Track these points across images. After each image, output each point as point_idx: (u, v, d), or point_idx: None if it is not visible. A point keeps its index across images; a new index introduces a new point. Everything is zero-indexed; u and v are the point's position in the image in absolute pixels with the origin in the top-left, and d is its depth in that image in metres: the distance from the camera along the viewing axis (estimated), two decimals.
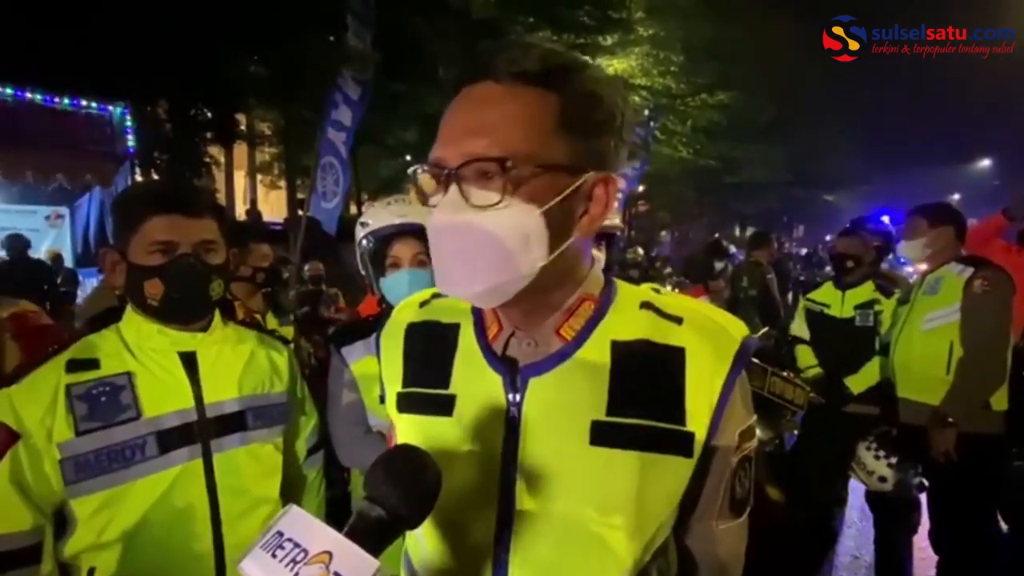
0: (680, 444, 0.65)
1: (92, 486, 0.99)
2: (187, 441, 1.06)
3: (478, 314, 0.72)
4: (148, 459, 1.02)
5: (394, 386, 0.76)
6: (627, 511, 0.64)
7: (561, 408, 0.65)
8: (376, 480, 0.56)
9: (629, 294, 0.71)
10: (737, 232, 25.84)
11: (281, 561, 0.51)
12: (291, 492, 1.27)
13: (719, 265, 3.70)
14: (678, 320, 0.68)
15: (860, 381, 2.78)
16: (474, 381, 0.69)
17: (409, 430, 0.73)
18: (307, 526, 0.53)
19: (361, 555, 0.51)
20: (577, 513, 0.64)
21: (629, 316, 0.69)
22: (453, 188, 0.61)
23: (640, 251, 8.18)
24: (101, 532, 1.00)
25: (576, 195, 0.63)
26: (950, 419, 2.18)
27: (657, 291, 0.73)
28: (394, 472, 0.56)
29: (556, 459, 0.65)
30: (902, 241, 2.56)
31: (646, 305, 0.70)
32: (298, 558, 0.51)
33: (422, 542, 0.71)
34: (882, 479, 2.40)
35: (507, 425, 0.66)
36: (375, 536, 0.54)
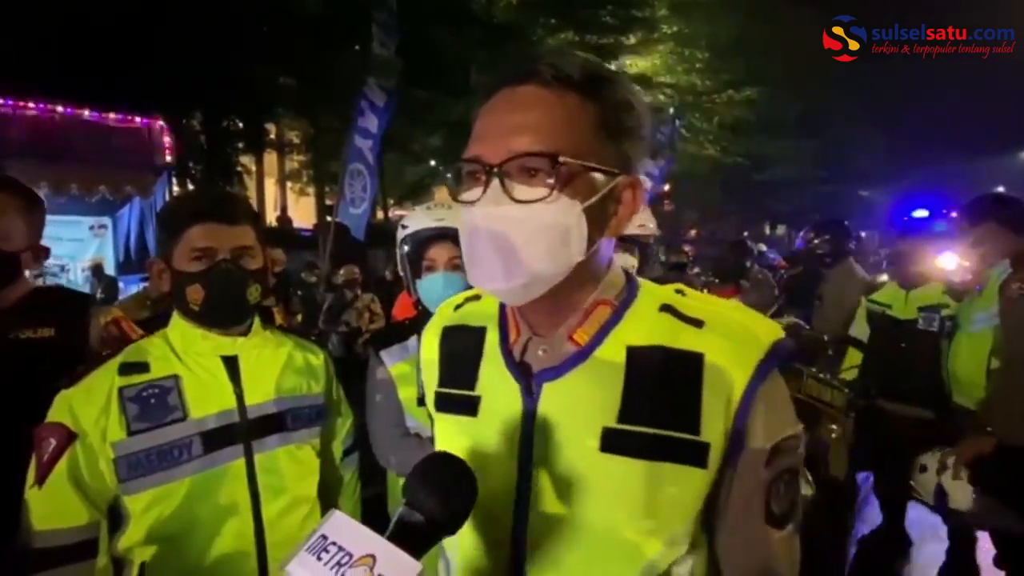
0: (693, 454, 0.63)
1: (143, 484, 1.03)
2: (230, 441, 1.10)
3: (502, 319, 0.74)
4: (194, 458, 1.06)
5: (432, 386, 0.78)
6: (636, 519, 0.63)
7: (573, 413, 0.65)
8: (414, 487, 0.58)
9: (650, 297, 0.70)
10: (767, 230, 25.25)
11: (326, 564, 0.52)
12: (328, 493, 1.30)
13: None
14: (698, 323, 0.66)
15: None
16: (496, 384, 0.70)
17: (443, 429, 0.76)
18: (350, 530, 0.54)
19: (404, 558, 0.52)
20: (588, 518, 0.64)
21: (647, 320, 0.67)
22: (495, 184, 0.62)
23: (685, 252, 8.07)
24: (151, 528, 1.04)
25: (609, 196, 0.65)
26: (988, 428, 2.03)
27: (681, 292, 0.71)
28: (431, 479, 0.58)
29: (568, 464, 0.65)
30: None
31: (666, 308, 0.68)
32: (343, 561, 0.52)
33: (455, 540, 0.72)
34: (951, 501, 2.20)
35: (523, 429, 0.67)
36: (416, 540, 0.55)
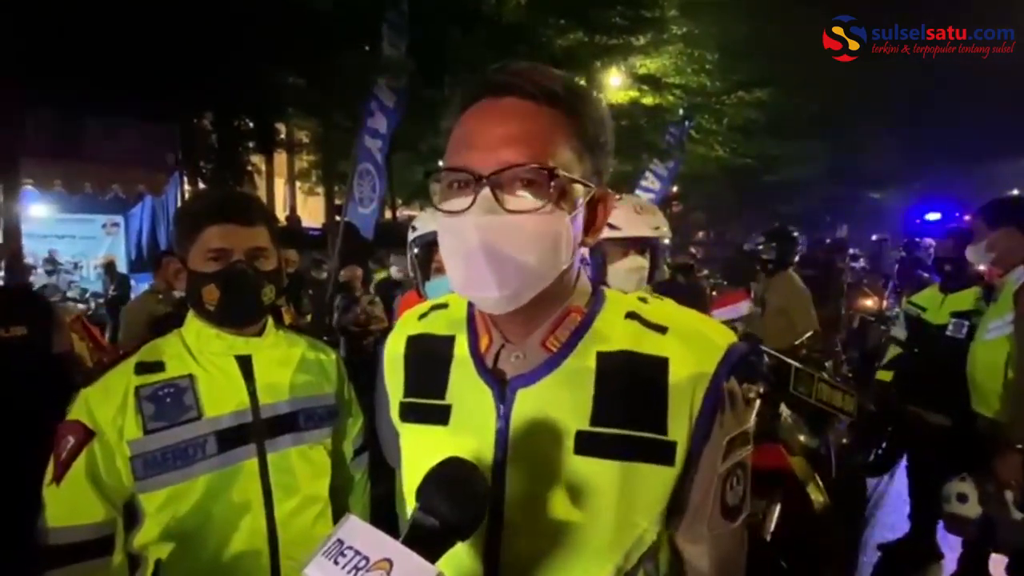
0: (661, 453, 0.66)
1: (158, 482, 1.04)
2: (243, 441, 1.11)
3: (472, 326, 0.75)
4: (208, 457, 1.07)
5: (397, 396, 0.79)
6: (609, 518, 0.66)
7: (547, 419, 0.67)
8: (428, 492, 0.59)
9: (616, 304, 0.73)
10: None
11: (343, 568, 0.53)
12: (338, 492, 1.31)
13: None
14: (662, 330, 0.69)
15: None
16: (467, 392, 0.71)
17: (411, 438, 0.77)
18: (366, 534, 0.55)
19: (420, 562, 0.53)
20: (562, 520, 0.66)
21: (614, 327, 0.70)
22: (485, 193, 0.62)
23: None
24: (166, 526, 1.05)
25: (587, 208, 0.69)
26: (1019, 446, 1.96)
27: (644, 300, 0.74)
28: (445, 484, 0.59)
29: (542, 469, 0.67)
30: (969, 245, 2.39)
31: (631, 315, 0.71)
32: (360, 565, 0.52)
33: None
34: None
35: (497, 435, 0.69)
36: (431, 545, 0.56)
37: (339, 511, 1.28)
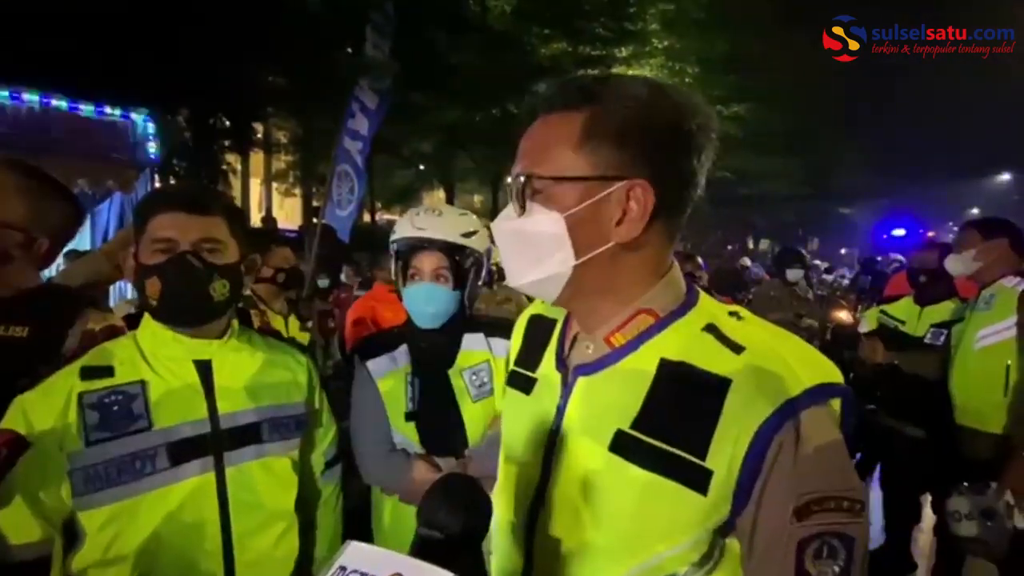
0: (693, 477, 0.61)
1: (101, 499, 0.94)
2: (199, 454, 1.02)
3: (568, 315, 0.80)
4: (158, 471, 0.98)
5: (511, 363, 0.87)
6: (622, 526, 0.65)
7: (595, 410, 0.69)
8: (428, 508, 0.60)
9: (702, 314, 0.69)
10: (751, 245, 25.61)
11: None
12: (306, 507, 1.22)
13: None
14: (738, 349, 0.63)
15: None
16: (548, 372, 0.77)
17: (508, 403, 0.84)
18: (371, 556, 0.54)
19: (434, 570, 0.52)
20: (584, 513, 0.68)
21: (687, 336, 0.67)
22: (513, 199, 0.71)
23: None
24: (108, 547, 0.95)
25: (606, 203, 0.65)
26: None
27: (736, 315, 0.69)
28: (444, 498, 0.61)
29: (579, 459, 0.69)
30: (950, 255, 2.42)
31: (710, 328, 0.67)
32: None
33: None
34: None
35: (555, 417, 0.73)
36: (437, 557, 0.55)
37: (306, 527, 1.19)
